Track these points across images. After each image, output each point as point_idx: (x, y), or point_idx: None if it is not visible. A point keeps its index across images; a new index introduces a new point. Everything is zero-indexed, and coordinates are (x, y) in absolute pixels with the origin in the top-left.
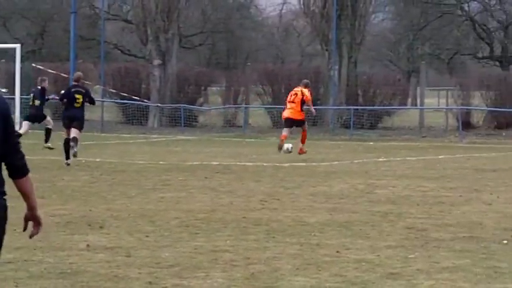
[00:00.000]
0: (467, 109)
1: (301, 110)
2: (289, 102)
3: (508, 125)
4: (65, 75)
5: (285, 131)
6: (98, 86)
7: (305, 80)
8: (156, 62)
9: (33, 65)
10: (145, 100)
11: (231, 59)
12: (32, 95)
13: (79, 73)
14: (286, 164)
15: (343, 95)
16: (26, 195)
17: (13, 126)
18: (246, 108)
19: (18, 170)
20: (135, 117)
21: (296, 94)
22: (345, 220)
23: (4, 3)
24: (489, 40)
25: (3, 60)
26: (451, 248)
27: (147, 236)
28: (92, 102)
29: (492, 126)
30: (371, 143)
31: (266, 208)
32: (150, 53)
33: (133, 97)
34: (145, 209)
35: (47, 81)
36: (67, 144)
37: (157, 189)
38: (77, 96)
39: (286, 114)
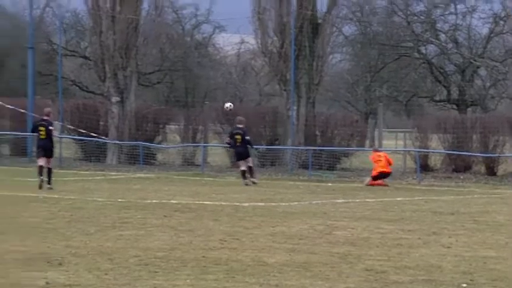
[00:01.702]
0: (425, 151)
1: None
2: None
3: (465, 168)
4: (22, 110)
5: None
6: (56, 122)
7: None
8: (115, 99)
9: None
10: (103, 137)
11: (189, 97)
12: None
13: (49, 108)
14: (246, 204)
15: (301, 135)
16: None
17: None
18: (204, 146)
19: None
20: (94, 154)
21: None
22: (304, 261)
23: None
24: (446, 83)
25: None
26: None
27: (106, 274)
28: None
29: (450, 169)
30: (329, 184)
31: (225, 247)
32: (108, 90)
33: (92, 134)
34: (104, 246)
35: None
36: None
37: (116, 226)
38: (41, 128)
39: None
